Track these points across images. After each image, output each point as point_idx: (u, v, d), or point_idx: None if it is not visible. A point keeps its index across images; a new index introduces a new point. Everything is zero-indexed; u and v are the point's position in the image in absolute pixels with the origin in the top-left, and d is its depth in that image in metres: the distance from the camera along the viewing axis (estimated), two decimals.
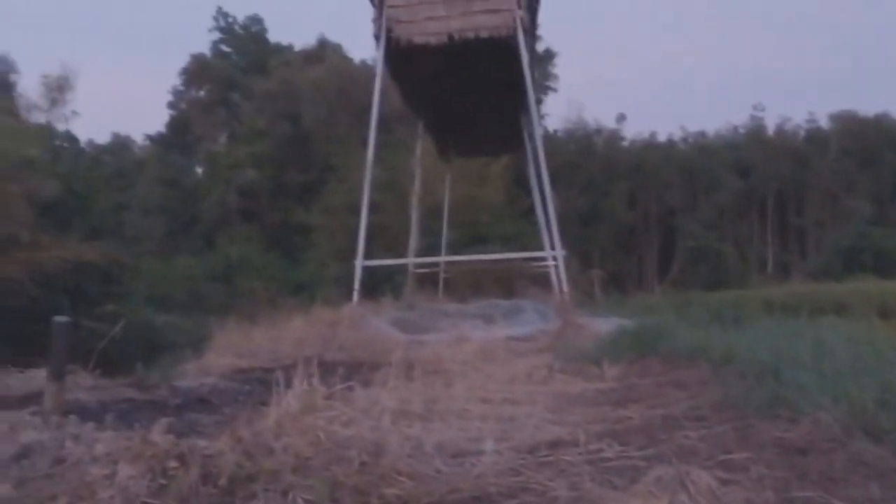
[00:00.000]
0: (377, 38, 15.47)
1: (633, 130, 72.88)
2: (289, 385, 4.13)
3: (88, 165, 54.66)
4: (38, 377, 5.83)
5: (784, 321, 8.43)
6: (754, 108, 68.69)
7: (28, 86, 64.62)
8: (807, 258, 61.22)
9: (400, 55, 15.71)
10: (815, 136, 67.21)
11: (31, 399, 5.04)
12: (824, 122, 67.80)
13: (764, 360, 5.26)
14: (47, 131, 40.42)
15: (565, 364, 7.50)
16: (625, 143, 65.75)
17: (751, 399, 4.54)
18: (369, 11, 15.77)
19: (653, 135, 66.27)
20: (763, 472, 3.21)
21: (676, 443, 3.83)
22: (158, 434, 3.31)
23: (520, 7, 14.94)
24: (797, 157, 64.01)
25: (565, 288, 14.63)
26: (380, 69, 15.97)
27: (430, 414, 4.74)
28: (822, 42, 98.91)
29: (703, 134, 68.38)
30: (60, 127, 43.89)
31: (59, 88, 37.99)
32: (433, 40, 15.07)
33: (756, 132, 67.79)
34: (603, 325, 11.60)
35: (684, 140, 68.05)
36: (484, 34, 14.90)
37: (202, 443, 3.31)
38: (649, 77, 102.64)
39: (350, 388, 4.78)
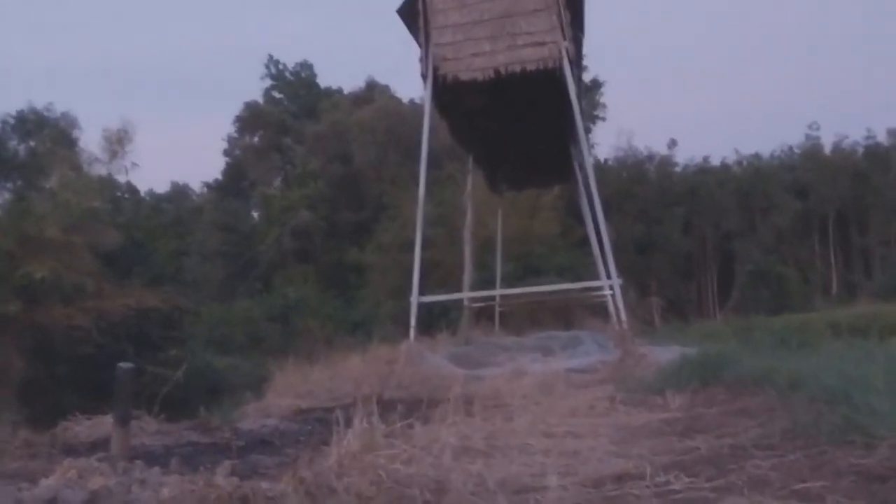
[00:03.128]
0: (424, 76, 15.62)
1: (685, 155, 71.89)
2: (349, 424, 4.13)
3: (148, 214, 56.12)
4: (104, 423, 5.96)
5: (853, 343, 8.16)
6: (809, 127, 67.63)
7: (89, 140, 67.16)
8: (873, 278, 59.44)
9: (447, 92, 15.82)
10: (874, 153, 65.62)
11: (98, 445, 5.14)
12: (883, 138, 66.26)
13: (833, 384, 5.07)
14: (108, 183, 41.61)
15: (627, 395, 7.37)
16: (677, 169, 65.06)
17: (822, 425, 4.36)
18: (416, 51, 15.98)
19: (706, 159, 65.57)
20: (841, 500, 3.08)
21: (747, 473, 3.70)
22: (222, 477, 3.35)
23: (565, 38, 14.94)
24: (857, 175, 62.56)
25: (623, 317, 14.37)
26: (428, 107, 16.09)
27: (492, 449, 4.68)
28: (875, 55, 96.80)
29: (757, 156, 67.41)
30: (121, 178, 45.18)
31: (118, 141, 39.04)
32: (479, 76, 15.14)
33: (812, 152, 66.52)
34: (664, 353, 11.37)
35: (738, 163, 67.09)
36: (530, 67, 14.92)
37: (265, 485, 3.32)
38: (699, 100, 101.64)
39: (410, 426, 4.76)
